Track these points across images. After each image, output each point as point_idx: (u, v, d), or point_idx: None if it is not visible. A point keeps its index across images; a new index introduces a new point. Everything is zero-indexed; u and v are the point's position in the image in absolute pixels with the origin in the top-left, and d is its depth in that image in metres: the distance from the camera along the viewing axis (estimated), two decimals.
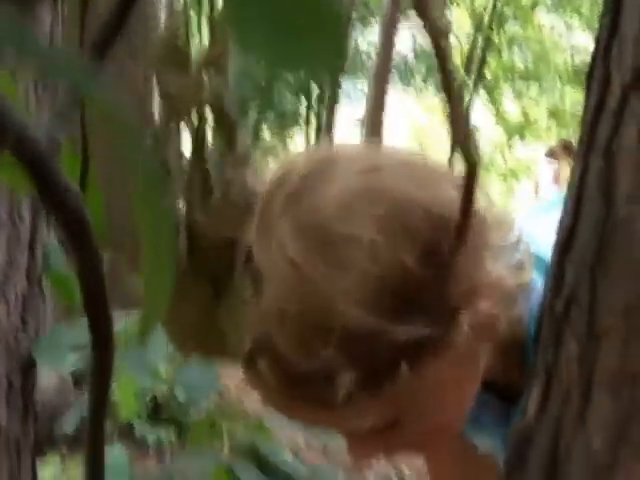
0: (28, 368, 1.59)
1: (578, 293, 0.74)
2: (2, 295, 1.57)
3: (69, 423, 3.65)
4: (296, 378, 0.92)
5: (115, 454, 1.73)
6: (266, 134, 16.19)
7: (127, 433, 3.14)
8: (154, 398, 4.68)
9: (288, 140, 16.97)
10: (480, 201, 0.90)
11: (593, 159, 0.75)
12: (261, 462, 1.62)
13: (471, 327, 0.92)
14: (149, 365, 1.56)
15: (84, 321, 1.60)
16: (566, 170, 5.61)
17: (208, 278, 0.85)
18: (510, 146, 19.01)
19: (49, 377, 4.23)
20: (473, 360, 0.97)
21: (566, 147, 6.20)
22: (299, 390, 0.93)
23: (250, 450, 1.66)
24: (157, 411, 4.15)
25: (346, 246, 0.89)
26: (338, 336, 0.89)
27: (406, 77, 17.21)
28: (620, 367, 0.70)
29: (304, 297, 0.90)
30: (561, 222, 0.79)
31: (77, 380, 4.21)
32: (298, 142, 16.50)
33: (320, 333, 0.90)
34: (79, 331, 1.55)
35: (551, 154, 6.42)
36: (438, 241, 0.90)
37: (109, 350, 1.34)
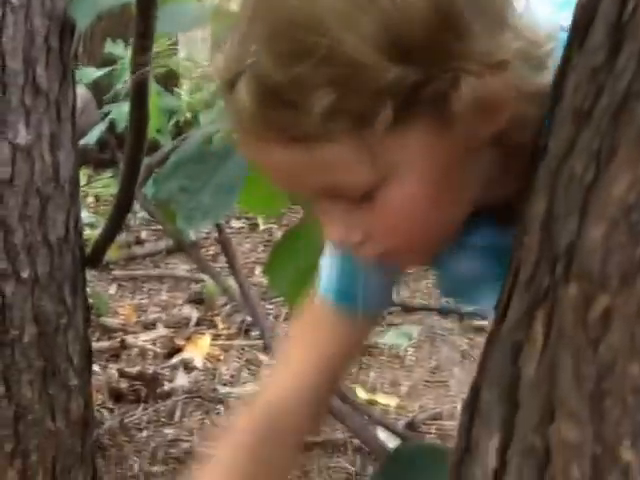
0: (65, 30, 1.58)
1: None
2: None
3: (93, 138, 3.70)
4: (274, 98, 0.86)
5: None
6: None
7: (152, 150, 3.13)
8: (177, 123, 4.70)
9: None
10: None
11: None
12: None
13: (473, 100, 0.85)
14: (181, 24, 1.54)
15: None
16: None
17: None
18: None
19: None
20: (469, 152, 0.90)
21: None
22: (275, 114, 0.87)
23: None
24: (179, 135, 4.16)
25: None
26: (324, 54, 0.83)
27: None
28: None
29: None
30: None
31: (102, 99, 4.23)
32: None
33: (307, 48, 0.83)
34: None
35: None
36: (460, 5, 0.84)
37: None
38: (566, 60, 0.79)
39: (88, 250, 1.75)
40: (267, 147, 0.89)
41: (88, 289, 2.89)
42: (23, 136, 1.51)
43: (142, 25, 1.32)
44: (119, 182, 1.54)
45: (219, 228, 1.68)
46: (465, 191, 0.93)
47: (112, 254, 3.37)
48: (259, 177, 1.74)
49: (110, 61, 4.29)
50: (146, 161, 1.69)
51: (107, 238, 1.65)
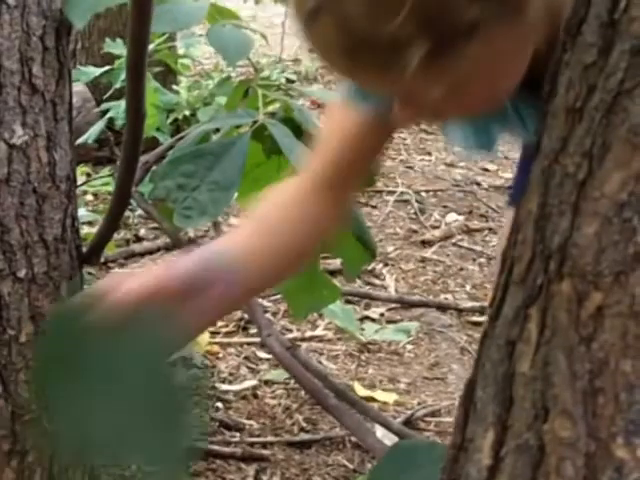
0: (61, 29, 1.58)
1: None
2: None
3: (92, 136, 3.70)
4: (362, 43, 0.91)
5: None
6: None
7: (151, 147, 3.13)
8: (175, 120, 4.70)
9: None
10: None
11: None
12: (294, 127, 1.64)
13: (544, 9, 0.95)
14: (176, 22, 1.55)
15: None
16: None
17: None
18: None
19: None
20: (532, 36, 0.99)
21: None
22: (363, 55, 0.93)
23: (284, 117, 1.67)
24: (178, 132, 4.16)
25: None
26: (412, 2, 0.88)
27: None
28: None
29: None
30: None
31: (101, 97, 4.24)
32: None
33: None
34: None
35: None
36: None
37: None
38: (559, 57, 0.79)
39: (86, 248, 1.76)
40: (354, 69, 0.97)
41: (86, 287, 2.90)
42: (19, 136, 1.51)
43: (137, 24, 1.32)
44: (116, 180, 1.54)
45: (216, 226, 1.68)
46: (525, 63, 1.03)
47: (110, 251, 3.37)
48: (259, 175, 1.76)
49: (109, 59, 4.29)
50: (144, 159, 1.69)
51: (104, 236, 1.65)
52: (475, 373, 0.87)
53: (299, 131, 1.62)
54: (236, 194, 1.70)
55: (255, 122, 1.57)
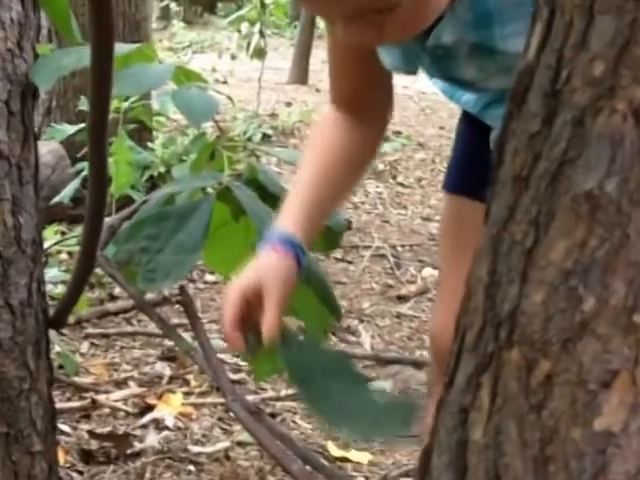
0: (27, 93, 1.58)
1: None
2: None
3: (67, 194, 3.70)
4: None
5: None
6: None
7: (126, 205, 3.13)
8: (150, 177, 4.71)
9: None
10: None
11: None
12: (259, 188, 1.64)
13: None
14: (142, 84, 1.56)
15: (82, 47, 1.57)
16: None
17: None
18: None
19: (46, 154, 4.24)
20: None
21: None
22: None
23: (249, 179, 1.68)
24: (154, 189, 4.17)
25: None
26: None
27: None
28: None
29: None
30: None
31: (75, 155, 4.24)
32: None
33: None
34: (77, 55, 1.54)
35: None
36: None
37: (108, 66, 1.33)
38: (506, 126, 0.80)
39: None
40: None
41: (58, 348, 2.89)
42: None
43: (97, 89, 1.33)
44: (81, 244, 1.53)
45: (181, 288, 1.68)
46: None
47: (84, 311, 3.36)
48: (226, 233, 1.76)
49: (83, 117, 4.30)
50: (110, 221, 1.69)
51: (70, 300, 1.64)
52: (431, 441, 0.87)
53: (265, 192, 1.62)
54: (202, 254, 1.70)
55: (220, 184, 1.57)
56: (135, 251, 1.47)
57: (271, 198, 1.62)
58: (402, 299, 3.80)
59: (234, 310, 1.29)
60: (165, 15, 15.47)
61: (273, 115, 7.34)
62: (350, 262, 4.23)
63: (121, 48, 1.63)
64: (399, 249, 4.46)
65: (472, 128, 1.64)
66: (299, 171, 1.43)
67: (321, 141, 1.46)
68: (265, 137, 6.56)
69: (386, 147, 6.09)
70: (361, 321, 3.55)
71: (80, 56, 1.46)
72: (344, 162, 1.43)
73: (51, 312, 1.71)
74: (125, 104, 4.20)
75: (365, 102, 1.47)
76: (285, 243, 1.32)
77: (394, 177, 5.86)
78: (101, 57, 1.28)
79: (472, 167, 1.64)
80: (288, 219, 1.36)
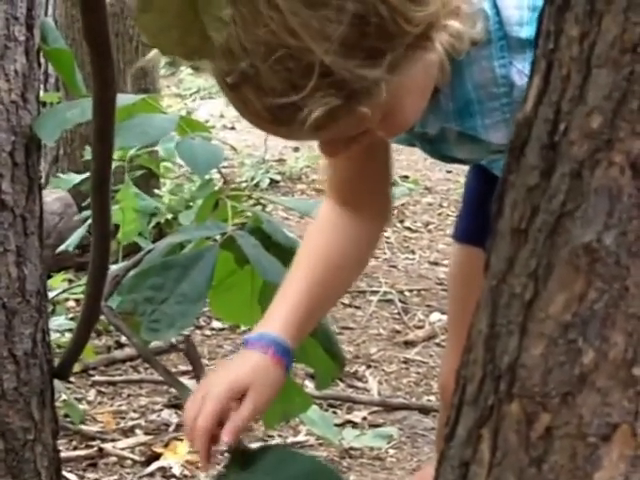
0: (31, 145, 1.59)
1: None
2: (2, 72, 1.56)
3: (73, 243, 3.71)
4: (279, 106, 1.06)
5: None
6: None
7: (133, 252, 3.15)
8: (157, 224, 4.72)
9: None
10: None
11: None
12: (263, 237, 1.65)
13: (446, 42, 1.14)
14: (146, 136, 1.57)
15: (85, 100, 1.59)
16: None
17: None
18: None
19: (53, 202, 4.26)
20: (436, 69, 1.18)
21: None
22: (282, 116, 1.08)
23: (253, 228, 1.68)
24: (161, 236, 4.17)
25: None
26: (319, 71, 1.03)
27: None
28: (620, 38, 0.70)
29: (287, 39, 1.02)
30: None
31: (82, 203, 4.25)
32: None
33: (302, 69, 1.03)
34: (80, 108, 1.55)
35: None
36: None
37: (110, 111, 1.34)
38: (504, 178, 0.80)
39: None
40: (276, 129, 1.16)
41: (64, 396, 2.89)
42: None
43: (99, 144, 1.34)
44: (84, 295, 1.54)
45: (186, 338, 1.68)
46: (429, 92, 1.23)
47: (91, 359, 3.35)
48: (232, 282, 1.77)
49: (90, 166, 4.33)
50: (114, 271, 1.69)
51: (75, 351, 1.64)
52: None
53: (269, 241, 1.63)
54: (209, 302, 1.71)
55: (224, 234, 1.58)
56: (139, 301, 1.47)
57: (275, 247, 1.62)
58: (409, 344, 3.79)
59: (218, 407, 1.25)
60: (173, 61, 15.56)
61: (280, 160, 7.36)
62: (358, 307, 4.22)
63: (125, 99, 1.64)
64: (407, 294, 4.45)
65: (481, 178, 1.65)
66: (294, 268, 1.40)
67: (316, 241, 1.43)
68: (273, 182, 6.57)
69: (393, 191, 6.10)
70: (368, 367, 3.54)
71: (84, 109, 1.48)
72: (339, 265, 1.41)
73: (57, 361, 1.71)
74: (131, 152, 4.22)
75: (360, 197, 1.43)
76: (280, 351, 1.29)
77: (401, 221, 5.86)
78: (102, 111, 1.29)
79: (481, 217, 1.63)
80: (280, 322, 1.33)
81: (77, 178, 4.28)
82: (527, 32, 1.18)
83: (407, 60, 1.10)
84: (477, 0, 1.19)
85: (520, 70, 1.20)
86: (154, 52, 1.15)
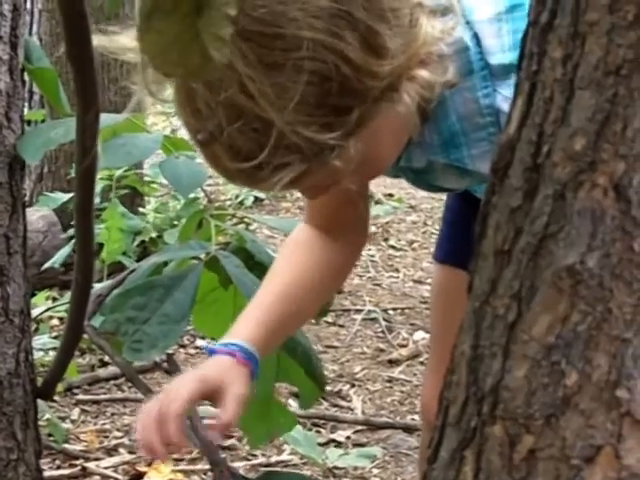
0: (15, 164, 1.59)
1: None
2: None
3: (58, 260, 3.69)
4: (250, 165, 1.06)
5: None
6: None
7: (117, 270, 3.13)
8: (142, 242, 4.70)
9: None
10: None
11: None
12: (247, 258, 1.65)
13: (415, 92, 1.12)
14: (130, 156, 1.56)
15: (69, 120, 1.58)
16: None
17: None
18: None
19: (38, 220, 4.25)
20: (409, 120, 1.17)
21: None
22: (254, 175, 1.09)
23: (237, 247, 1.68)
24: (145, 255, 4.15)
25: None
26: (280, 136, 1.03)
27: None
28: (603, 60, 0.71)
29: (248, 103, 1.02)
30: None
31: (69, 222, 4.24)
32: None
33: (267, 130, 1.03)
34: (64, 128, 1.54)
35: None
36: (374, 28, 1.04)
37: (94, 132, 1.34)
38: (487, 199, 0.80)
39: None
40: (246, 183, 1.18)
41: (48, 415, 2.87)
42: None
43: (82, 171, 1.33)
44: (68, 315, 1.53)
45: (169, 357, 1.67)
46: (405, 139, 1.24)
47: (75, 377, 3.34)
48: (215, 298, 1.76)
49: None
50: (98, 290, 1.69)
51: (57, 371, 1.64)
52: None
53: (252, 261, 1.62)
54: (192, 319, 1.71)
55: (208, 253, 1.57)
56: (121, 321, 1.46)
57: (259, 267, 1.62)
58: (394, 363, 3.78)
59: (186, 405, 1.21)
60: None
61: None
62: (342, 326, 4.21)
63: (110, 118, 1.64)
64: (391, 312, 4.45)
65: (461, 199, 1.65)
66: (266, 281, 1.40)
67: (290, 259, 1.43)
68: (257, 201, 6.57)
69: (378, 210, 6.10)
70: (352, 385, 3.53)
71: (68, 128, 1.47)
72: (309, 286, 1.40)
73: (41, 380, 1.70)
74: (118, 172, 4.22)
75: (336, 223, 1.43)
76: (247, 356, 1.27)
77: (386, 240, 5.86)
78: (85, 131, 1.29)
79: (461, 238, 1.63)
80: (246, 333, 1.32)
81: (64, 197, 4.27)
82: (510, 57, 1.16)
83: (374, 114, 1.09)
84: (454, 34, 1.17)
85: (506, 97, 1.17)
86: (140, 96, 1.17)
